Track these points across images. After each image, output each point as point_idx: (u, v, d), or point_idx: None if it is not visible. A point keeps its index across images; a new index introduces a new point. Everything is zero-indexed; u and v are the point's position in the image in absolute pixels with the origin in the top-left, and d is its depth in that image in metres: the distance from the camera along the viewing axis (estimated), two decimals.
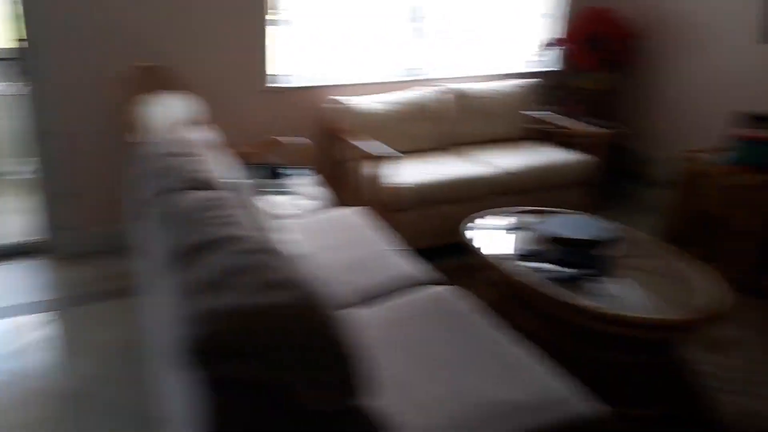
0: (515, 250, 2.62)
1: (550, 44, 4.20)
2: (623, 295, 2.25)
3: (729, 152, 3.22)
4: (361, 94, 3.77)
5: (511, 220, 2.95)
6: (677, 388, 2.32)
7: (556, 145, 3.98)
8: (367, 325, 1.89)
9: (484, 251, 2.62)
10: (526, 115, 4.12)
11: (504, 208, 3.05)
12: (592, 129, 3.78)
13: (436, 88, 3.95)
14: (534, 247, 2.63)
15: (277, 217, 2.73)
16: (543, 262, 2.52)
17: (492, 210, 3.00)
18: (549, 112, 4.25)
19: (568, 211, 3.02)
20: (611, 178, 4.64)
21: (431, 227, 3.40)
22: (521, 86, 4.10)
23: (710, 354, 2.66)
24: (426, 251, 3.41)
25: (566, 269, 2.43)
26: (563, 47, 4.24)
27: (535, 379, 1.74)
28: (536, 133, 4.17)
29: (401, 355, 1.78)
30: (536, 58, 4.23)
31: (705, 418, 2.26)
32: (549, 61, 4.42)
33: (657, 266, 2.48)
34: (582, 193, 3.77)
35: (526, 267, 2.46)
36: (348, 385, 1.16)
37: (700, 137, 3.87)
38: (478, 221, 2.92)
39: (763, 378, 2.50)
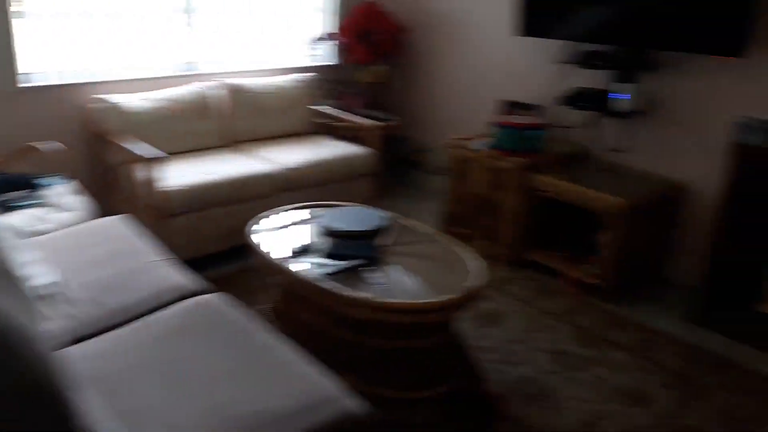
0: (294, 247, 2.58)
1: (322, 38, 4.23)
2: (394, 283, 2.31)
3: (489, 138, 3.47)
4: (131, 92, 3.50)
5: (295, 217, 2.92)
6: (456, 366, 2.45)
7: (339, 138, 4.02)
8: (115, 351, 1.73)
9: (265, 251, 2.56)
10: (310, 109, 4.11)
11: (290, 206, 3.01)
12: (369, 122, 3.87)
13: (211, 83, 3.79)
14: (312, 242, 2.62)
15: (23, 235, 2.42)
16: (321, 256, 2.52)
17: (278, 208, 2.95)
18: (330, 107, 4.29)
19: (349, 203, 3.06)
20: (393, 168, 4.83)
21: (213, 231, 3.26)
22: (301, 81, 4.08)
23: (484, 328, 2.85)
24: (211, 257, 3.29)
25: (342, 262, 2.45)
26: (336, 42, 4.29)
27: (303, 381, 1.70)
28: (321, 128, 4.18)
29: (156, 378, 1.65)
30: (312, 53, 4.23)
31: (480, 391, 2.41)
32: (326, 56, 4.46)
33: (428, 251, 2.59)
34: (366, 185, 3.85)
35: (304, 263, 2.45)
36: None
37: (469, 124, 4.14)
38: (264, 221, 2.85)
39: (527, 344, 2.73)
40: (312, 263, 2.47)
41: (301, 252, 2.56)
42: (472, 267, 2.39)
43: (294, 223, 2.85)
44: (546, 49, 3.65)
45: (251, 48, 4.15)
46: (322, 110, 4.17)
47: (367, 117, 4.27)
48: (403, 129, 4.76)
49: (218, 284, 3.00)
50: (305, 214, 2.95)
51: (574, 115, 3.63)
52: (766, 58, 2.85)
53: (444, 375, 2.38)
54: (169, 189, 3.04)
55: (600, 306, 3.06)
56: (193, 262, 3.24)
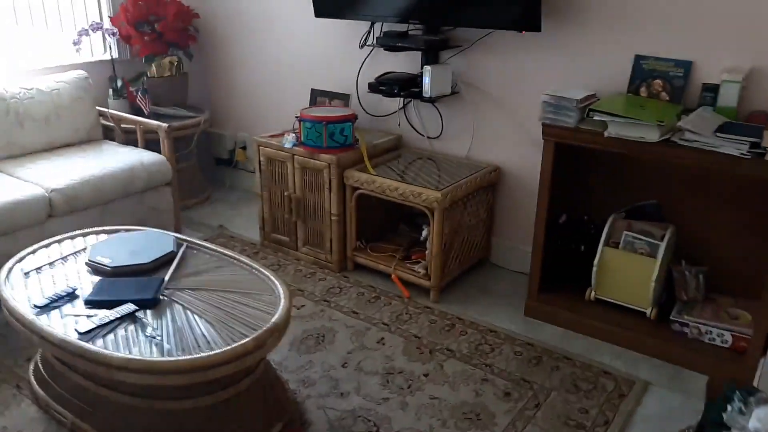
0: (48, 295, 2.03)
1: (92, 29, 3.57)
2: (176, 331, 1.86)
3: (294, 134, 3.08)
4: None
5: (66, 251, 2.35)
6: (267, 415, 2.05)
7: (127, 144, 3.43)
8: None
9: (12, 303, 1.99)
10: (91, 113, 3.45)
11: (63, 236, 2.44)
12: (155, 122, 3.31)
13: None
14: (77, 285, 2.08)
15: None
16: (86, 304, 2.00)
17: (46, 241, 2.38)
18: (116, 108, 3.66)
19: (137, 227, 2.53)
20: (211, 170, 4.30)
21: None
22: (71, 81, 3.40)
23: (307, 354, 2.48)
24: None
25: (106, 312, 1.94)
26: (113, 33, 3.65)
27: None
28: (106, 134, 3.56)
29: None
30: (78, 47, 3.56)
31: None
32: (103, 50, 3.81)
33: (224, 280, 2.16)
34: (163, 196, 3.30)
35: (61, 316, 1.92)
36: None
37: (281, 117, 3.72)
38: (23, 263, 2.25)
39: (355, 367, 2.40)
40: (72, 315, 1.95)
41: (60, 300, 2.03)
42: (269, 300, 2.01)
43: (62, 259, 2.29)
44: (355, 31, 3.31)
45: (2, 45, 3.40)
46: (105, 113, 3.54)
47: (163, 115, 3.71)
48: (215, 125, 4.23)
49: None
50: (81, 243, 2.40)
51: (387, 103, 3.34)
52: (560, 31, 2.72)
53: (254, 429, 1.98)
54: None
55: (431, 308, 2.81)
56: None
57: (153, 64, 3.77)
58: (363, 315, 2.75)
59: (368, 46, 3.19)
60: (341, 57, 3.47)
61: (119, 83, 3.73)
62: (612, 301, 2.61)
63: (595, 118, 2.37)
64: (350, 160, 3.00)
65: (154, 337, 1.84)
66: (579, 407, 2.20)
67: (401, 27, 3.07)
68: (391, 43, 2.99)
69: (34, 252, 2.35)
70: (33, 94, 3.24)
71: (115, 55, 3.81)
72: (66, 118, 3.33)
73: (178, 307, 1.99)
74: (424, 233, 2.93)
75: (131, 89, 3.70)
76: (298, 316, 2.73)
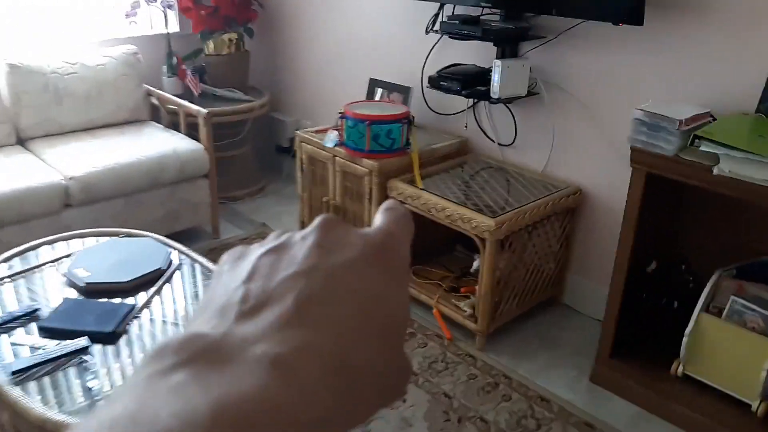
0: (4, 312, 1.76)
1: (149, 0, 3.31)
2: (113, 383, 1.51)
3: (337, 131, 2.65)
4: None
5: (55, 254, 2.09)
6: None
7: (171, 128, 3.16)
8: None
9: None
10: (138, 91, 3.21)
11: (53, 237, 2.18)
12: (196, 108, 3.00)
13: None
14: (32, 306, 1.79)
15: None
16: (38, 330, 1.70)
17: (43, 240, 2.14)
18: (166, 88, 3.40)
19: (131, 232, 2.23)
20: (267, 158, 3.99)
21: None
22: (119, 57, 3.16)
23: None
24: None
25: (53, 346, 1.63)
26: (169, 5, 3.37)
27: None
28: (156, 116, 3.31)
29: None
30: (131, 20, 3.30)
31: None
32: (160, 24, 3.54)
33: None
34: (198, 190, 3.00)
35: (5, 340, 1.64)
36: None
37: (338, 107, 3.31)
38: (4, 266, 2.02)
39: None
40: (18, 344, 1.66)
41: (17, 320, 1.75)
42: None
43: (42, 266, 2.02)
44: (424, 14, 2.81)
45: (49, 15, 3.20)
46: (154, 92, 3.28)
47: (218, 97, 3.42)
48: (278, 109, 3.90)
49: None
50: (71, 248, 2.13)
51: (454, 99, 2.83)
52: (668, 27, 2.08)
53: None
54: None
55: (474, 358, 2.31)
56: None
57: (210, 41, 3.46)
58: None
59: (434, 32, 2.68)
60: (405, 43, 2.98)
61: (174, 61, 3.46)
62: (706, 382, 2.00)
63: (701, 148, 1.75)
64: (397, 168, 2.53)
65: (90, 390, 1.50)
66: None
67: (475, 11, 2.54)
68: (455, 30, 2.47)
69: (21, 253, 2.10)
70: (76, 69, 3.02)
71: (175, 29, 3.54)
72: (108, 97, 3.10)
73: (136, 348, 1.64)
74: (475, 264, 2.43)
75: (183, 67, 3.42)
76: None
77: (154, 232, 2.87)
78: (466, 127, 2.84)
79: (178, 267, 2.01)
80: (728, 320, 1.91)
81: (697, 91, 2.07)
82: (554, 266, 2.55)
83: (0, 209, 2.42)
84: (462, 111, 2.83)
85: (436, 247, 2.77)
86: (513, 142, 2.70)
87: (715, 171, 1.71)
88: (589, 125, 2.42)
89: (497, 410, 2.06)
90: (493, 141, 2.77)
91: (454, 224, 2.28)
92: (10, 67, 2.86)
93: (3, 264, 2.02)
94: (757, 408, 1.89)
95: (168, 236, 3.00)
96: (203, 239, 3.14)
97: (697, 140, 1.77)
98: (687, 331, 1.97)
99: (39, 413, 1.40)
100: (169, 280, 1.95)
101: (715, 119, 1.91)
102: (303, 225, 2.89)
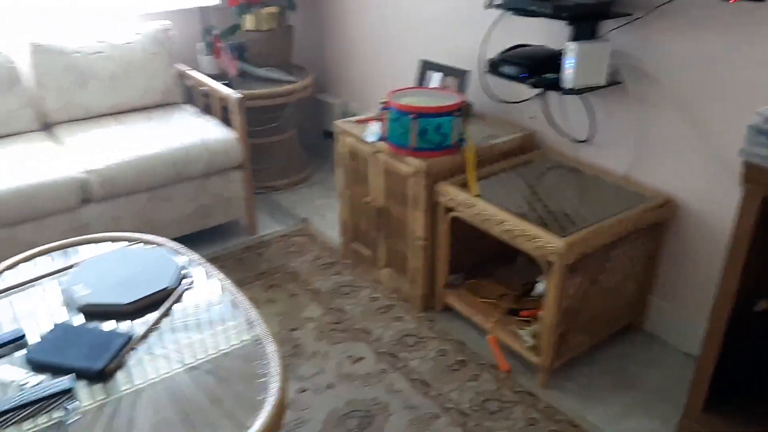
0: None
1: None
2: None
3: (379, 125, 2.30)
4: None
5: (49, 267, 1.85)
6: None
7: (209, 113, 2.90)
8: None
9: None
10: (173, 72, 2.95)
11: (60, 243, 1.94)
12: (230, 92, 2.71)
13: (18, 44, 2.69)
14: (18, 331, 1.55)
15: None
16: (26, 361, 1.46)
17: (44, 247, 1.89)
18: (200, 67, 3.13)
19: (144, 238, 1.97)
20: (313, 144, 3.69)
21: None
22: (150, 34, 2.89)
23: None
24: None
25: (40, 382, 1.39)
26: None
27: None
28: (189, 98, 3.06)
29: None
30: None
31: None
32: None
33: (206, 344, 1.51)
34: (233, 180, 2.73)
35: None
36: None
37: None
38: (6, 274, 1.80)
39: None
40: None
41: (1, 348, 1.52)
42: (251, 398, 1.32)
43: (36, 280, 1.78)
44: None
45: None
46: (186, 73, 3.01)
47: (257, 78, 3.13)
48: (325, 90, 3.59)
49: None
50: (81, 255, 1.89)
51: (519, 86, 2.43)
52: None
53: None
54: None
55: (535, 397, 1.96)
56: None
57: (249, 15, 3.15)
58: (436, 390, 1.98)
59: (496, 7, 2.28)
60: (462, 20, 2.60)
61: (210, 37, 3.17)
62: None
63: None
64: (447, 168, 2.18)
65: None
66: None
67: None
68: (521, 5, 2.06)
69: (25, 260, 1.86)
70: (102, 48, 2.77)
71: (212, 1, 3.24)
72: (136, 78, 2.84)
73: (128, 393, 1.38)
74: (539, 288, 2.07)
75: (220, 45, 3.13)
76: (349, 375, 2.04)
77: (183, 231, 2.65)
78: (533, 118, 2.45)
79: (189, 286, 1.73)
80: None
81: None
82: (635, 289, 2.16)
83: (14, 205, 2.20)
84: (528, 99, 2.44)
85: (494, 256, 2.41)
86: (589, 138, 2.29)
87: None
88: (685, 124, 1.99)
89: None
90: (566, 136, 2.37)
91: (514, 241, 1.91)
92: (34, 47, 2.63)
93: (3, 274, 1.79)
94: None
95: (198, 234, 2.78)
96: (238, 235, 2.88)
97: None
98: None
99: None
100: (177, 302, 1.68)
101: None
102: (344, 227, 2.59)
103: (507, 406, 1.92)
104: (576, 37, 2.02)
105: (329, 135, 3.61)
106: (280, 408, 1.33)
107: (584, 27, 2.04)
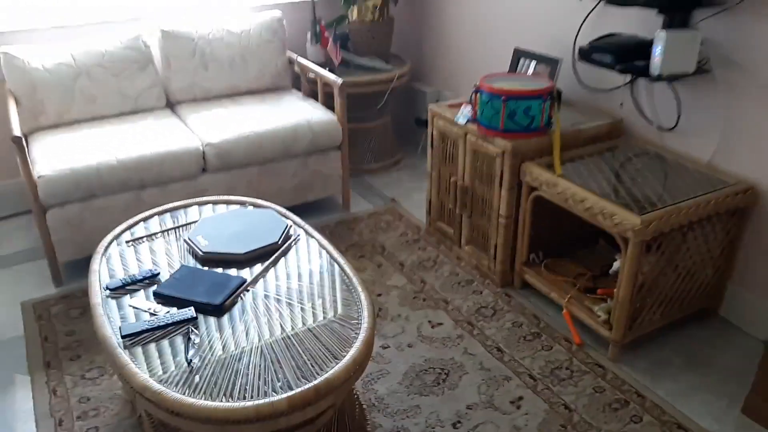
0: (124, 276, 1.81)
1: None
2: (224, 357, 1.49)
3: (470, 108, 2.45)
4: (43, 44, 2.82)
5: (178, 221, 2.14)
6: None
7: (313, 97, 3.15)
8: None
9: (93, 280, 1.81)
10: (284, 59, 3.23)
11: (182, 203, 2.23)
12: (332, 77, 2.94)
13: (149, 31, 3.04)
14: (152, 270, 1.83)
15: None
16: (153, 296, 1.74)
17: (164, 207, 2.19)
18: (308, 55, 3.39)
19: (255, 202, 2.22)
20: (406, 130, 3.88)
21: (101, 226, 2.55)
22: (263, 23, 3.18)
23: (419, 395, 1.97)
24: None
25: (166, 312, 1.65)
26: None
27: None
28: (296, 84, 3.32)
29: None
30: None
31: None
32: None
33: (311, 290, 1.73)
34: (333, 159, 2.97)
35: (127, 306, 1.69)
36: None
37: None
38: (132, 229, 2.10)
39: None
40: (136, 308, 1.70)
41: (136, 284, 1.80)
42: (346, 335, 1.53)
43: (163, 232, 2.07)
44: None
45: None
46: (295, 60, 3.28)
47: (358, 66, 3.36)
48: (420, 80, 3.77)
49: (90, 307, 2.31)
50: (198, 214, 2.17)
51: (610, 74, 2.52)
52: None
53: None
54: (41, 175, 2.38)
55: (604, 369, 2.06)
56: (78, 264, 2.60)
57: (354, 7, 3.38)
58: (509, 356, 2.12)
59: None
60: (557, 10, 2.70)
61: (317, 27, 3.43)
62: None
63: None
64: (533, 150, 2.30)
65: (190, 362, 1.49)
66: None
67: None
68: None
69: (147, 219, 2.16)
70: (222, 35, 3.08)
71: None
72: (252, 63, 3.14)
73: (239, 325, 1.62)
74: (615, 265, 2.16)
75: (326, 35, 3.38)
76: (429, 337, 2.21)
77: (286, 202, 2.91)
78: (621, 105, 2.53)
79: (294, 242, 1.97)
80: None
81: None
82: (712, 274, 2.20)
83: (142, 170, 2.52)
84: (618, 87, 2.52)
85: (575, 239, 2.51)
86: (675, 126, 2.35)
87: None
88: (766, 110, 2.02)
89: (632, 428, 1.82)
90: (652, 123, 2.44)
91: (594, 219, 2.02)
92: (162, 33, 2.97)
93: (137, 226, 2.09)
94: None
95: (299, 207, 3.04)
96: (334, 211, 3.12)
97: None
98: None
99: (141, 380, 1.42)
100: (284, 255, 1.91)
101: None
102: (430, 205, 2.77)
103: (576, 374, 2.04)
104: (667, 26, 2.09)
105: (422, 122, 3.79)
106: (369, 344, 1.52)
107: (676, 16, 2.11)
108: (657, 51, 2.08)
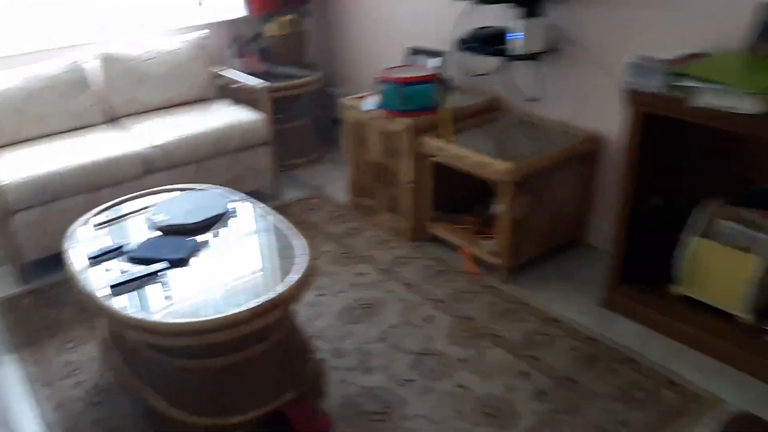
0: (94, 250, 2.19)
1: None
2: (191, 293, 1.91)
3: (374, 97, 2.96)
4: None
5: (135, 207, 2.52)
6: (284, 382, 2.05)
7: (239, 104, 3.58)
8: None
9: (72, 253, 2.18)
10: (209, 73, 3.65)
11: (134, 194, 2.60)
12: (259, 83, 3.40)
13: (88, 54, 3.40)
14: (121, 242, 2.22)
15: None
16: (125, 260, 2.13)
17: (121, 199, 2.56)
18: (232, 68, 3.83)
19: (200, 186, 2.64)
20: (324, 130, 4.36)
21: (62, 225, 2.89)
22: (191, 41, 3.60)
23: (352, 324, 2.43)
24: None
25: (139, 268, 2.05)
26: None
27: None
28: (224, 93, 3.74)
29: None
30: (210, 6, 3.72)
31: (308, 411, 2.01)
32: (232, 9, 3.95)
33: (258, 243, 2.17)
34: (260, 156, 3.41)
35: (102, 270, 2.07)
36: None
37: None
38: (96, 217, 2.47)
39: (391, 344, 2.30)
40: (111, 269, 2.09)
41: (111, 253, 2.18)
42: (292, 265, 1.97)
43: (124, 216, 2.46)
44: None
45: (133, 10, 3.68)
46: (222, 73, 3.71)
47: (277, 74, 3.81)
48: (334, 84, 4.26)
49: (59, 296, 2.68)
50: (152, 201, 2.55)
51: (486, 61, 3.08)
52: None
53: (265, 395, 1.99)
54: (6, 183, 2.71)
55: (497, 289, 2.59)
56: (43, 263, 2.92)
57: (269, 24, 3.86)
58: (422, 289, 2.62)
59: None
60: (440, 11, 3.25)
61: (239, 43, 3.88)
62: (700, 300, 2.19)
63: (682, 83, 1.95)
64: (429, 125, 2.82)
65: (168, 298, 1.90)
66: (621, 419, 1.90)
67: None
68: None
69: (115, 205, 2.53)
70: (155, 55, 3.48)
71: (243, 13, 3.94)
72: (184, 77, 3.55)
73: (200, 270, 2.04)
74: (495, 207, 2.69)
75: (248, 48, 3.83)
76: (356, 284, 2.68)
77: None
78: (497, 85, 3.09)
79: (234, 211, 2.40)
80: (715, 241, 2.10)
81: (701, 35, 2.24)
82: (576, 209, 2.78)
83: (97, 173, 2.89)
84: (493, 71, 3.08)
85: (473, 197, 3.04)
86: (540, 97, 2.93)
87: (688, 103, 1.92)
88: (603, 76, 2.62)
89: (511, 329, 2.34)
90: (522, 97, 3.01)
91: (477, 170, 2.55)
92: (103, 56, 3.35)
93: (100, 214, 2.47)
94: (747, 319, 2.08)
95: None
96: (266, 201, 3.54)
97: (679, 77, 1.97)
98: (681, 254, 2.17)
99: (133, 316, 1.80)
100: (229, 219, 2.34)
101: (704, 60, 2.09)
102: (353, 185, 3.25)
103: (474, 296, 2.55)
104: (529, 15, 2.65)
105: (338, 121, 4.28)
106: (309, 268, 1.95)
107: (531, 8, 2.67)
108: (516, 36, 2.64)
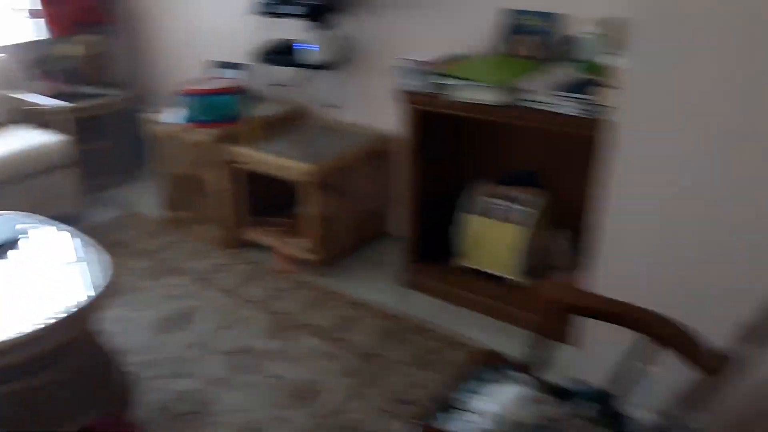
0: None
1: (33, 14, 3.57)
2: None
3: (181, 110, 3.01)
4: None
5: None
6: (91, 397, 2.03)
7: (37, 127, 3.42)
8: None
9: None
10: (4, 96, 3.46)
11: None
12: (57, 104, 3.30)
13: None
14: None
15: None
16: None
17: None
18: (34, 91, 3.66)
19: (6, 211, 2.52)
20: (128, 146, 4.25)
21: None
22: None
23: (165, 333, 2.45)
24: None
25: None
26: (33, 13, 3.64)
27: None
28: (27, 117, 3.55)
29: None
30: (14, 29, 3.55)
31: (119, 422, 2.02)
32: (33, 32, 3.78)
33: (52, 262, 2.13)
34: (64, 178, 3.29)
35: None
36: None
37: None
38: None
39: (206, 348, 2.36)
40: None
41: None
42: (89, 282, 1.97)
43: None
44: None
45: None
46: (20, 96, 3.53)
47: (81, 95, 3.69)
48: (143, 103, 4.20)
49: None
50: None
51: (287, 72, 3.24)
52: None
53: (66, 415, 1.96)
54: None
55: (312, 283, 2.75)
56: None
57: (70, 45, 3.74)
58: (238, 294, 2.70)
59: (258, 13, 3.07)
60: (239, 26, 3.37)
61: (39, 65, 3.72)
62: (480, 269, 2.51)
63: (443, 82, 2.24)
64: (235, 134, 2.92)
65: None
66: (417, 382, 2.13)
67: None
68: (271, 10, 2.87)
69: None
70: None
71: (43, 36, 3.78)
72: None
73: None
74: (301, 208, 2.86)
75: (50, 70, 3.69)
76: (171, 295, 2.71)
77: None
78: (299, 95, 3.26)
79: (24, 234, 2.33)
80: (483, 216, 2.42)
81: (463, 39, 2.55)
82: (378, 203, 3.01)
83: None
84: (295, 81, 3.24)
85: (284, 203, 3.18)
86: (338, 103, 3.14)
87: (451, 98, 2.20)
88: (385, 80, 2.87)
89: (323, 317, 2.51)
90: (322, 105, 3.20)
91: (281, 174, 2.70)
92: None
93: None
94: (515, 281, 2.41)
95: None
96: (73, 223, 3.39)
97: (441, 77, 2.25)
98: (458, 230, 2.47)
99: None
100: (20, 241, 2.26)
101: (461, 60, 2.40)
102: (166, 199, 3.25)
103: (289, 292, 2.69)
104: (317, 29, 2.83)
105: (146, 138, 4.23)
106: (108, 283, 1.96)
107: (324, 21, 2.85)
108: (310, 47, 2.82)
